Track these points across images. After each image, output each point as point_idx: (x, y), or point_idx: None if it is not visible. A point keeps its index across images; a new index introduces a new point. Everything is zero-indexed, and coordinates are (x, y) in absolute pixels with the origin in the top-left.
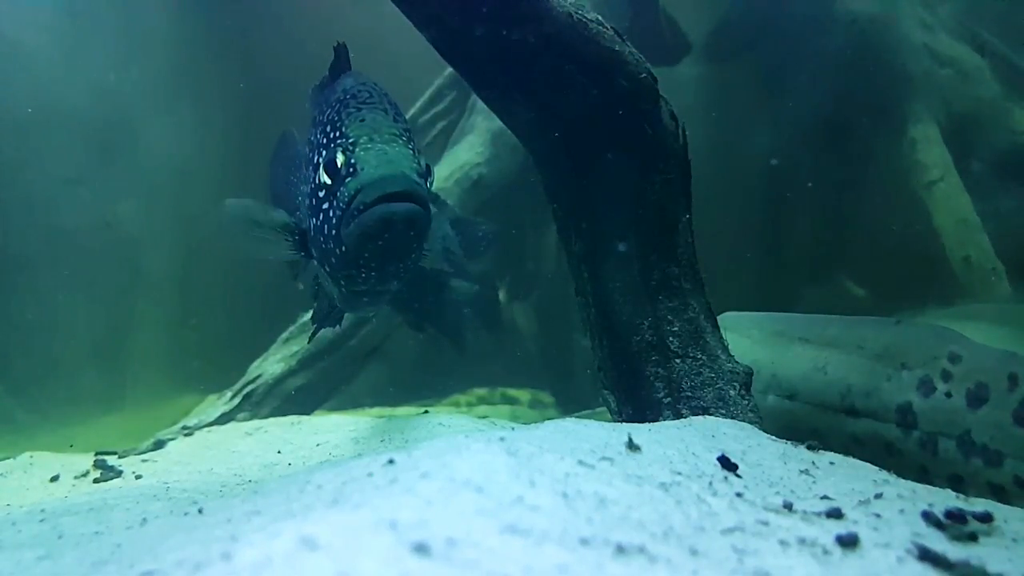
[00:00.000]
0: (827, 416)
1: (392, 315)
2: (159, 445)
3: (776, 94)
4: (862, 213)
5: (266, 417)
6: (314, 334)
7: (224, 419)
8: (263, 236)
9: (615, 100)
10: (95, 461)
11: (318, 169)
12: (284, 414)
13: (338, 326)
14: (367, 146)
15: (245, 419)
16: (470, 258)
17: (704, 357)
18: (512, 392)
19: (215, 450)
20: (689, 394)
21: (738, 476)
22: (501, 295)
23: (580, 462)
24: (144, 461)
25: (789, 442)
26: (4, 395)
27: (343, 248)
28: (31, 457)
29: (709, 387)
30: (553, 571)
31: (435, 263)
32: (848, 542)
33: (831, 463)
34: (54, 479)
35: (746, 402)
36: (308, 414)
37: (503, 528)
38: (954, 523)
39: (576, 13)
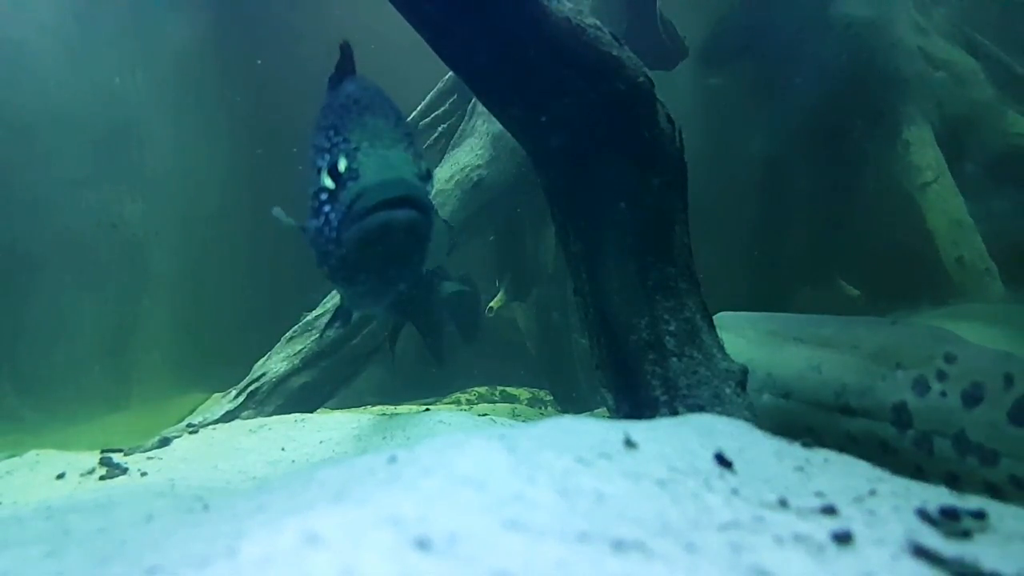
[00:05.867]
0: (822, 415)
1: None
2: (165, 443)
3: (771, 97)
4: (857, 214)
5: (270, 415)
6: (324, 331)
7: (229, 417)
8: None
9: (612, 104)
10: (101, 459)
11: (320, 173)
12: (287, 412)
13: (346, 324)
14: (368, 151)
15: (249, 417)
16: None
17: (700, 356)
18: (512, 390)
19: (220, 447)
20: (685, 392)
21: (734, 473)
22: (501, 295)
23: (578, 459)
24: (150, 459)
25: (784, 440)
26: (11, 394)
27: (343, 251)
28: (37, 455)
29: (705, 385)
30: (552, 566)
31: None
32: (843, 538)
33: (825, 460)
34: (60, 477)
35: (741, 400)
36: (311, 412)
37: (503, 524)
38: (948, 520)
39: (574, 18)
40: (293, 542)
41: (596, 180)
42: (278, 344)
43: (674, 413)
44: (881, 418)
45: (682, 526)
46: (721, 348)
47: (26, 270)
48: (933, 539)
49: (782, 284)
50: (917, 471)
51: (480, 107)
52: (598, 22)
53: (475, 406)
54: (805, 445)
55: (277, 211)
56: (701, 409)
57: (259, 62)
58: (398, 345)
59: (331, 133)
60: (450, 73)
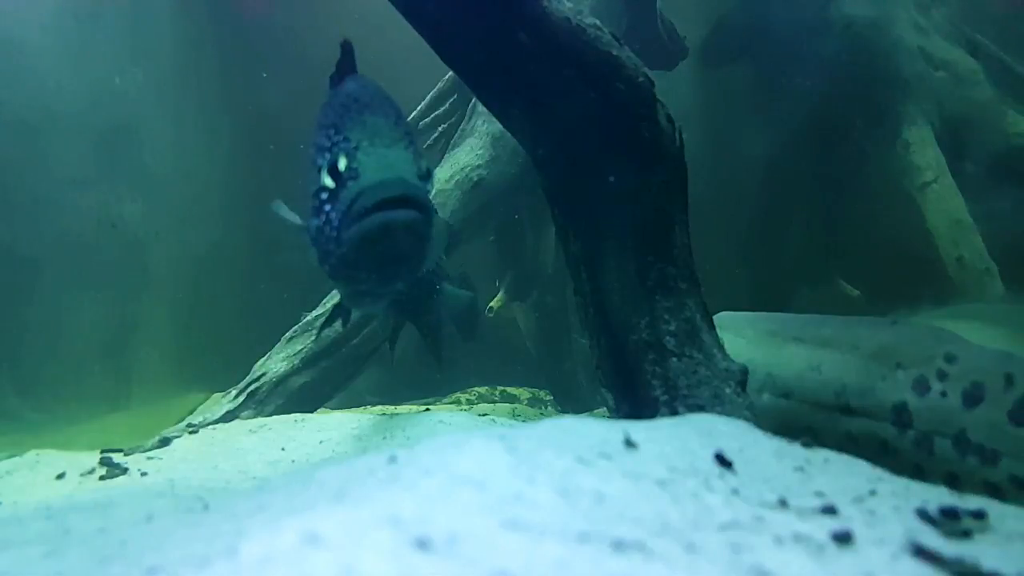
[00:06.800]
0: (822, 414)
1: (389, 317)
2: (165, 443)
3: (772, 97)
4: (856, 214)
5: (270, 415)
6: (321, 330)
7: (229, 417)
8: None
9: (612, 103)
10: (101, 459)
11: (320, 172)
12: (287, 412)
13: (347, 323)
14: (368, 150)
15: (249, 417)
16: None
17: (700, 356)
18: (512, 390)
19: (220, 447)
20: (686, 392)
21: (734, 473)
22: (501, 295)
23: (578, 459)
24: (150, 459)
25: (784, 440)
26: (11, 394)
27: (343, 250)
28: (37, 455)
29: (705, 385)
30: (553, 566)
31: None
32: (843, 538)
33: (825, 460)
34: (60, 477)
35: (741, 400)
36: (311, 412)
37: (503, 524)
38: (948, 520)
39: (574, 18)
40: (293, 542)
41: (596, 180)
42: (278, 344)
43: (674, 413)
44: (881, 418)
45: (682, 526)
46: (721, 348)
47: (26, 270)
48: (933, 539)
49: (782, 284)
50: (917, 471)
51: (480, 107)
52: (598, 22)
53: (475, 406)
54: (805, 445)
55: (278, 205)
56: (701, 409)
57: (264, 75)
58: (398, 345)
59: (331, 132)
60: (450, 73)
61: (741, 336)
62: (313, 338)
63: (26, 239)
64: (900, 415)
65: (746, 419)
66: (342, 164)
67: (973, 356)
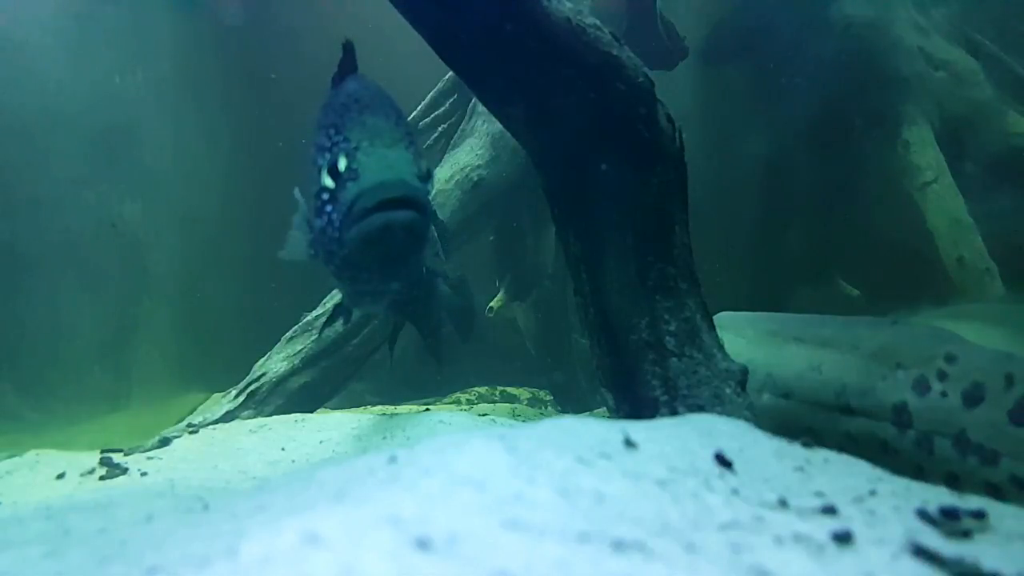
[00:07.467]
0: (822, 414)
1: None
2: (165, 443)
3: (771, 97)
4: (856, 214)
5: (270, 415)
6: (323, 329)
7: (229, 417)
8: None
9: (612, 103)
10: (101, 459)
11: (321, 172)
12: (287, 412)
13: (347, 322)
14: (368, 151)
15: (249, 417)
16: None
17: (700, 356)
18: (512, 390)
19: (220, 447)
20: (686, 392)
21: (734, 473)
22: (501, 295)
23: (578, 459)
24: (150, 459)
25: (784, 440)
26: (11, 393)
27: (345, 251)
28: (37, 455)
29: (705, 385)
30: (553, 566)
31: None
32: (843, 538)
33: (825, 460)
34: (60, 477)
35: (741, 400)
36: (311, 412)
37: (503, 524)
38: (948, 520)
39: (574, 18)
40: (293, 542)
41: (596, 180)
42: (278, 344)
43: (674, 413)
44: (881, 418)
45: (682, 526)
46: (721, 348)
47: (26, 269)
48: (933, 539)
49: (782, 284)
50: (917, 471)
51: (480, 107)
52: (598, 22)
53: (475, 406)
54: (805, 445)
55: (297, 193)
56: (701, 409)
57: (273, 76)
58: (398, 345)
59: (331, 132)
60: (450, 73)
61: (741, 336)
62: (314, 338)
63: (26, 239)
64: (900, 415)
65: (746, 419)
66: (342, 164)
67: (973, 356)
